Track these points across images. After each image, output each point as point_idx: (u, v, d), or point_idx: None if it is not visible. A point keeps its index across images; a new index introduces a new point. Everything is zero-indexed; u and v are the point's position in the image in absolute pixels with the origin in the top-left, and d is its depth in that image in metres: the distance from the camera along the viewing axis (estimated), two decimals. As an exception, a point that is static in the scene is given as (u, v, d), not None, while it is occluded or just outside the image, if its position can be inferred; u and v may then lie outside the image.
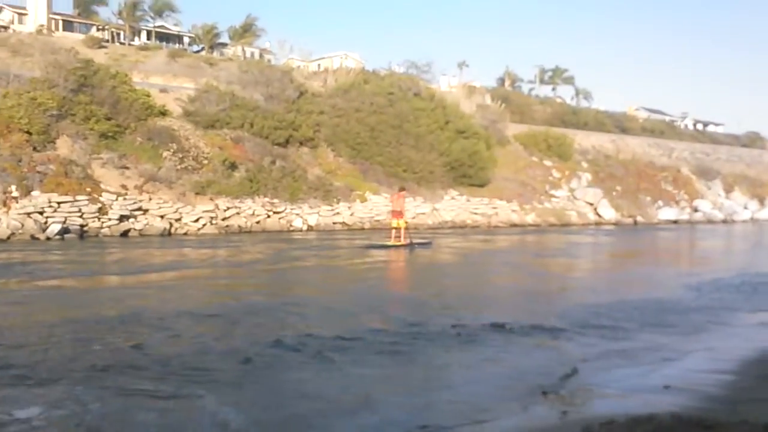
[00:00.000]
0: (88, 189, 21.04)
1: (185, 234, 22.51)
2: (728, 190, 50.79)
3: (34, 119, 21.49)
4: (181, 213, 22.88)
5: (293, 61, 51.75)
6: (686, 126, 79.41)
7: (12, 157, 20.26)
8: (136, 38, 56.44)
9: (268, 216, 25.52)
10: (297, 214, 26.42)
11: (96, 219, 20.64)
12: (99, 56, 33.83)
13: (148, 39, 56.77)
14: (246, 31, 56.79)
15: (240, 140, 27.38)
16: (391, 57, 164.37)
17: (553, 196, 38.40)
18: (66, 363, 6.41)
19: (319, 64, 55.65)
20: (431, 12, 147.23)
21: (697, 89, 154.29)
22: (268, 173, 26.65)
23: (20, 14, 52.57)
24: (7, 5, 53.41)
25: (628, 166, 45.97)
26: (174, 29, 59.69)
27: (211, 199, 24.13)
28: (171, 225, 22.40)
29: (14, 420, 4.94)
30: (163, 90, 30.37)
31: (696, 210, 45.37)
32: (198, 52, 54.85)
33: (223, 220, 23.98)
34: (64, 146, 22.07)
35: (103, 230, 20.64)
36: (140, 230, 21.48)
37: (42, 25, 49.34)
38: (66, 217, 19.85)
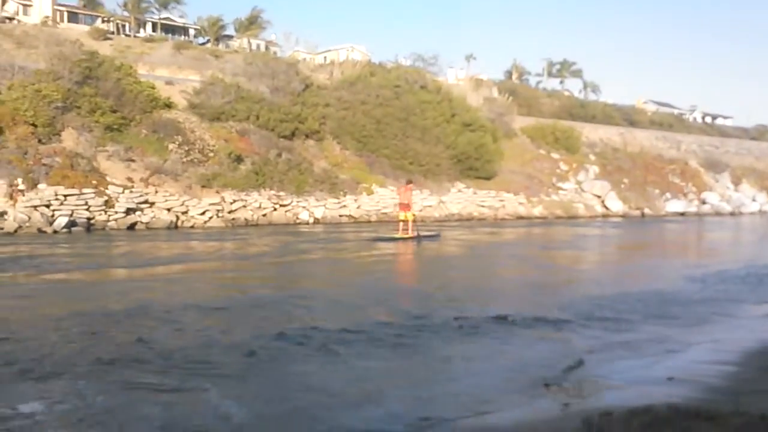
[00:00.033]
0: (94, 182, 21.00)
1: (192, 227, 22.47)
2: (736, 182, 50.49)
3: (39, 111, 21.44)
4: (187, 206, 22.82)
5: (299, 54, 51.68)
6: (695, 119, 79.03)
7: (18, 150, 20.22)
8: (142, 30, 56.39)
9: (275, 209, 25.45)
10: (303, 207, 26.35)
11: (103, 212, 20.60)
12: (104, 48, 33.84)
13: (154, 31, 56.77)
14: (252, 24, 56.72)
15: (246, 133, 27.30)
16: (397, 50, 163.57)
17: (560, 188, 38.21)
18: (71, 357, 6.40)
19: (325, 57, 55.53)
20: (439, 4, 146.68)
21: (706, 82, 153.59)
22: (274, 166, 26.57)
23: (25, 5, 52.49)
24: (12, -4, 53.39)
25: (636, 158, 45.74)
26: (179, 21, 59.65)
27: (218, 192, 24.08)
28: (177, 218, 22.35)
29: (18, 414, 4.92)
30: (169, 82, 30.31)
31: (704, 202, 45.12)
32: (203, 44, 54.82)
33: (230, 213, 23.92)
34: (69, 139, 22.03)
35: (109, 223, 20.59)
36: (147, 223, 21.43)
37: (47, 17, 49.36)
38: (73, 210, 19.81)
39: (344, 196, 27.92)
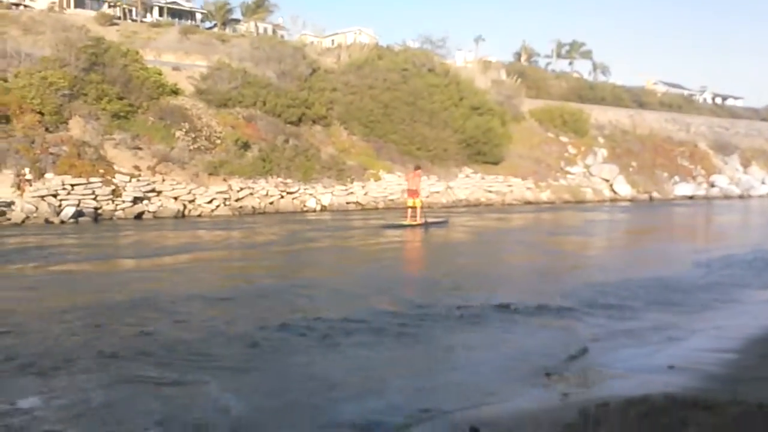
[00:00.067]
0: (101, 170, 20.90)
1: (199, 216, 22.40)
2: (746, 164, 50.11)
3: (46, 99, 21.31)
4: (194, 194, 22.72)
5: (306, 37, 51.39)
6: (705, 100, 78.44)
7: (25, 139, 20.11)
8: (148, 15, 56.06)
9: (282, 196, 25.34)
10: (311, 194, 26.22)
11: (110, 201, 20.51)
12: (111, 34, 33.70)
13: (160, 15, 56.46)
14: (259, 7, 56.42)
15: (252, 119, 27.13)
16: (405, 32, 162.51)
17: (568, 172, 38.00)
18: (73, 350, 6.43)
19: (332, 40, 55.23)
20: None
21: (717, 62, 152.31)
22: (281, 152, 26.42)
23: (32, -9, 52.16)
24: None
25: (645, 141, 45.37)
26: (186, 5, 59.37)
27: (225, 180, 23.97)
28: (185, 206, 22.25)
29: (16, 410, 4.94)
30: (176, 68, 30.10)
31: (713, 185, 44.84)
32: (210, 28, 54.48)
33: (237, 201, 23.82)
34: (76, 127, 21.90)
35: (117, 213, 20.52)
36: (154, 212, 21.34)
37: (53, 2, 49.09)
38: (80, 200, 19.74)
39: (351, 182, 27.78)
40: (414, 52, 38.58)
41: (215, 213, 22.87)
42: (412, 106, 32.03)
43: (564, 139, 40.49)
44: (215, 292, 9.82)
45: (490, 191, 32.75)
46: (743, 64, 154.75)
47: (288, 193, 25.62)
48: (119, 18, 49.18)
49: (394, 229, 19.21)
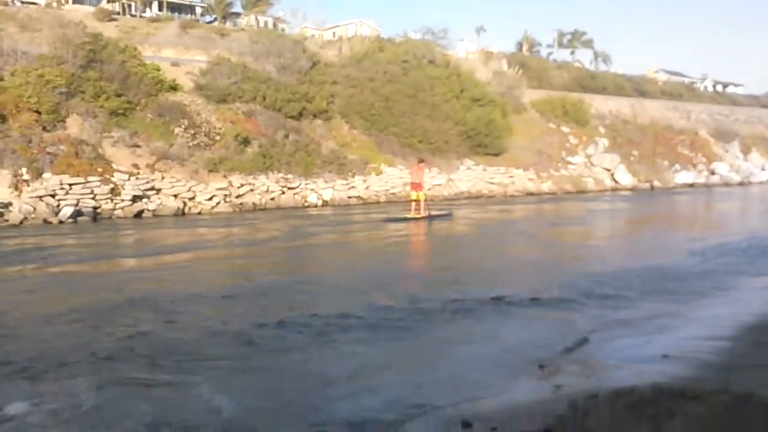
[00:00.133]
0: (100, 169, 20.82)
1: (199, 213, 22.32)
2: (746, 151, 50.04)
3: (43, 98, 21.20)
4: (194, 191, 22.62)
5: (307, 30, 51.18)
6: (706, 88, 78.26)
7: (22, 138, 20.02)
8: (148, 9, 55.91)
9: (283, 192, 25.26)
10: (312, 190, 26.14)
11: (109, 200, 20.40)
12: (109, 29, 33.62)
13: (160, 10, 56.31)
14: (259, 0, 56.15)
15: (252, 114, 27.04)
16: (407, 23, 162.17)
17: (569, 163, 37.91)
18: (67, 353, 6.39)
19: (333, 33, 55.07)
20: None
21: (717, 50, 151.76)
22: (282, 148, 26.34)
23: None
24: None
25: (646, 130, 45.24)
26: (186, -1, 59.19)
27: (225, 176, 23.88)
28: (185, 204, 22.16)
29: (3, 416, 4.90)
30: (175, 63, 29.97)
31: (713, 173, 44.80)
32: (211, 22, 54.33)
33: (237, 197, 23.73)
34: (74, 125, 21.80)
35: (116, 212, 20.42)
36: (153, 211, 21.25)
37: (51, -2, 48.92)
38: (78, 200, 19.64)
39: (353, 177, 27.69)
40: (415, 43, 38.41)
41: (215, 210, 22.80)
42: (413, 99, 31.93)
43: (565, 129, 40.38)
44: (215, 290, 9.79)
45: (491, 183, 32.67)
46: (745, 51, 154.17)
47: (289, 188, 25.53)
48: (118, 13, 49.04)
49: (398, 223, 19.20)
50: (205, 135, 24.44)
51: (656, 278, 10.12)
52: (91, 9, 46.84)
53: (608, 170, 38.65)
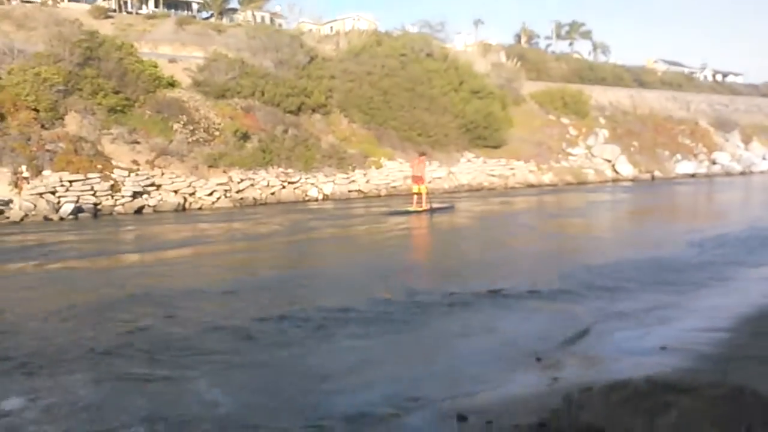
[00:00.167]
0: (99, 166, 20.85)
1: (200, 208, 22.34)
2: (746, 141, 49.96)
3: (41, 96, 21.21)
4: (194, 187, 22.64)
5: (304, 25, 51.06)
6: (705, 77, 78.08)
7: (21, 136, 20.04)
8: (144, 6, 55.73)
9: (283, 186, 25.27)
10: (312, 184, 26.14)
11: (109, 197, 20.42)
12: (105, 27, 33.49)
13: (156, 7, 56.08)
14: (256, -5, 55.99)
15: (251, 109, 27.03)
16: (405, 17, 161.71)
17: (570, 154, 37.88)
18: (66, 349, 6.39)
19: (331, 27, 54.94)
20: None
21: (716, 39, 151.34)
22: (281, 143, 26.33)
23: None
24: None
25: (646, 120, 45.21)
26: (182, -5, 58.93)
27: (225, 172, 23.90)
28: (185, 200, 22.19)
29: None
30: (172, 60, 29.94)
31: (714, 163, 44.72)
32: (207, 18, 54.17)
33: (237, 192, 23.75)
34: (72, 122, 21.83)
35: (116, 208, 20.43)
36: (154, 206, 21.24)
37: (48, -4, 48.76)
38: (78, 196, 19.66)
39: (353, 170, 27.68)
40: (413, 37, 38.34)
41: (216, 205, 22.81)
42: (412, 92, 31.90)
43: (565, 120, 40.34)
44: (215, 285, 9.78)
45: (492, 175, 32.64)
46: (744, 39, 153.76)
47: (289, 183, 25.54)
48: (114, 10, 48.83)
49: (400, 216, 19.21)
50: (204, 131, 24.44)
51: (655, 269, 10.11)
52: (87, 6, 46.60)
53: (609, 161, 38.62)
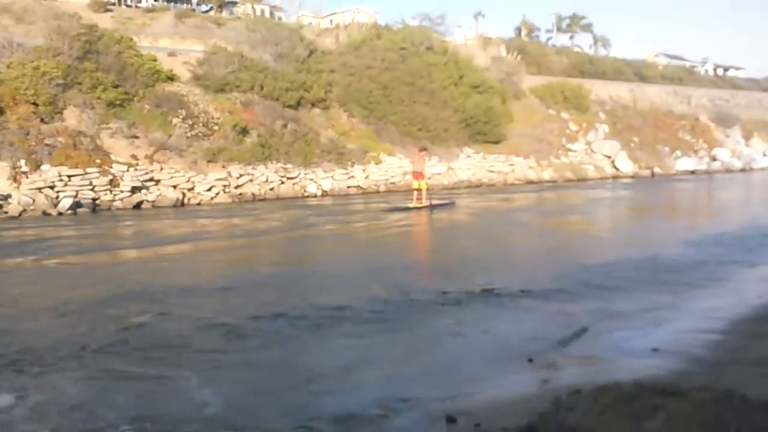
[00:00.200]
0: (98, 160, 20.84)
1: (198, 204, 22.35)
2: (747, 137, 49.82)
3: (40, 90, 21.18)
4: (193, 182, 22.64)
5: (304, 18, 51.00)
6: (706, 71, 77.87)
7: (20, 131, 20.04)
8: (143, 0, 55.55)
9: (282, 182, 25.25)
10: (311, 179, 26.12)
11: (108, 192, 20.45)
12: (105, 20, 33.45)
13: (155, 0, 55.92)
14: (255, -11, 55.87)
15: (250, 103, 27.01)
16: (404, 10, 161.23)
17: (569, 150, 37.76)
18: (58, 346, 6.36)
19: (330, 20, 54.86)
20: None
21: (718, 32, 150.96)
22: (280, 137, 26.31)
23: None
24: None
25: (647, 116, 45.07)
26: (182, -12, 58.72)
27: (224, 167, 23.88)
28: (184, 195, 22.19)
29: None
30: (171, 54, 29.87)
31: (714, 159, 44.63)
32: (207, 12, 54.05)
33: (236, 188, 23.74)
34: (71, 117, 21.81)
35: (115, 203, 20.46)
36: (153, 202, 21.27)
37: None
38: (77, 191, 19.68)
39: (352, 166, 27.65)
40: (412, 30, 38.27)
41: (215, 201, 22.81)
42: (411, 86, 31.81)
43: (565, 115, 40.22)
44: (213, 282, 9.77)
45: (491, 171, 32.60)
46: (745, 33, 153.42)
47: (288, 178, 25.52)
48: (113, 4, 48.70)
49: (399, 212, 19.15)
50: (203, 125, 24.42)
51: (652, 269, 10.04)
52: (86, 0, 46.61)
53: (609, 157, 38.51)
